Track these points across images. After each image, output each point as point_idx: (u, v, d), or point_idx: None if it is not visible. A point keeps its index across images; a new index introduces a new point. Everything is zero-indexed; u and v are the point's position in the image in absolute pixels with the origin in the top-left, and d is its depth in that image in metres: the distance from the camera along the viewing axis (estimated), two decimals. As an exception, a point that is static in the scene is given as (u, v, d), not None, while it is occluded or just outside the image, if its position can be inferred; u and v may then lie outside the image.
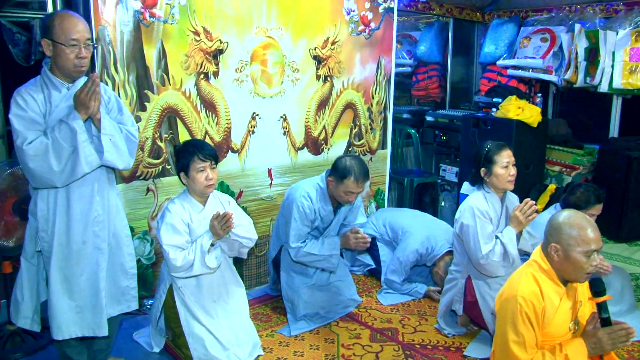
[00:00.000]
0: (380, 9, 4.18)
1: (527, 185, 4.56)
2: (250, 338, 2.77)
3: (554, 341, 2.03)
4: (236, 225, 2.56)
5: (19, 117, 2.13)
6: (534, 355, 1.97)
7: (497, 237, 2.82)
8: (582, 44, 4.77)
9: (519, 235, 2.88)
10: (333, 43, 3.90)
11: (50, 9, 2.98)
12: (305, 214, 3.07)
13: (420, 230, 3.70)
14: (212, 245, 2.54)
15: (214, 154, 2.63)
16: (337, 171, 3.00)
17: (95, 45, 2.76)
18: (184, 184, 2.67)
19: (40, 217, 2.27)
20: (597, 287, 2.02)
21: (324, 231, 3.23)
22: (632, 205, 4.57)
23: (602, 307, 2.01)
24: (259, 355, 2.80)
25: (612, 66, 4.66)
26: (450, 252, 3.47)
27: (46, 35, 2.17)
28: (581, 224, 1.98)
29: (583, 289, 2.14)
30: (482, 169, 2.91)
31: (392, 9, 4.26)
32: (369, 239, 3.10)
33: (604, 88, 4.74)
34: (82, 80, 2.27)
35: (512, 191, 3.00)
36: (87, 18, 2.80)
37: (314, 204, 3.09)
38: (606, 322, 2.00)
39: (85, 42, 2.20)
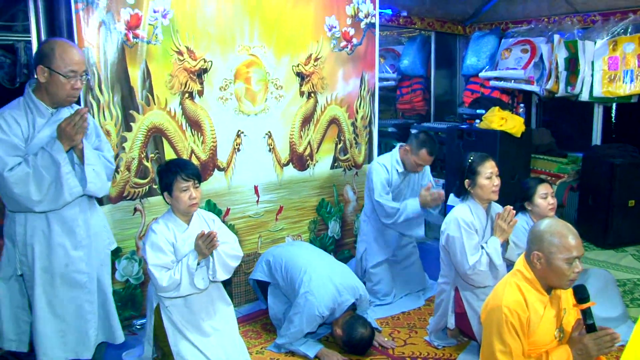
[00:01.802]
0: (362, 25, 4.23)
1: (513, 195, 4.59)
2: (241, 355, 2.76)
3: (540, 350, 2.04)
4: (221, 243, 2.56)
5: (1, 140, 2.11)
6: (521, 364, 1.98)
7: (482, 248, 2.84)
8: (561, 54, 4.86)
9: (505, 245, 2.91)
10: (316, 59, 3.94)
11: (34, 32, 2.97)
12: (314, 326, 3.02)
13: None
14: (197, 264, 2.54)
15: (197, 173, 2.62)
16: None
17: (89, 77, 2.78)
18: (167, 204, 2.67)
19: (19, 242, 2.25)
20: (581, 294, 2.04)
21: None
22: (617, 211, 4.60)
23: (586, 314, 2.03)
24: (249, 373, 2.78)
25: (592, 75, 4.75)
26: None
27: (43, 62, 2.16)
28: (562, 232, 2.00)
29: (567, 297, 2.15)
30: (466, 180, 2.94)
31: (373, 25, 4.31)
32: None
33: (585, 97, 4.83)
34: (67, 108, 2.29)
35: (497, 202, 3.03)
36: (71, 39, 2.81)
37: (324, 318, 3.01)
38: (591, 328, 2.01)
39: (81, 73, 2.23)
